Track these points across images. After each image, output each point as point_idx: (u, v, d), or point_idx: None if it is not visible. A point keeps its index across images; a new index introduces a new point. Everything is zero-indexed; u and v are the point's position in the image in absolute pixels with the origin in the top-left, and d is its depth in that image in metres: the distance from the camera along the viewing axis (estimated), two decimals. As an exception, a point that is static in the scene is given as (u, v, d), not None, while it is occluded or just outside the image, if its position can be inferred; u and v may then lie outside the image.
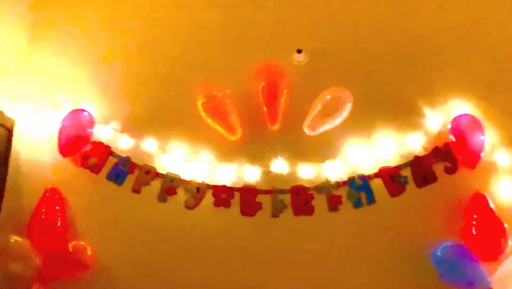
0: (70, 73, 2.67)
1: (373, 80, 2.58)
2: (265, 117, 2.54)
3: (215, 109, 2.54)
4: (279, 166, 2.53)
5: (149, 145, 2.58)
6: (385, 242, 2.47)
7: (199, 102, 2.54)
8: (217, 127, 2.55)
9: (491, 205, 2.41)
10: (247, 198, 2.52)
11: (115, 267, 2.53)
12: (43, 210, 2.52)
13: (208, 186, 2.53)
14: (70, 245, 2.52)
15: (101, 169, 2.57)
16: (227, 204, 2.52)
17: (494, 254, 2.37)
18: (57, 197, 2.54)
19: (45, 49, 2.70)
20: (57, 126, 2.58)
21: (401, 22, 2.64)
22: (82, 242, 2.52)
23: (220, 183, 2.54)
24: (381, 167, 2.49)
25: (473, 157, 2.43)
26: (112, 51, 2.70)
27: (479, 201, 2.42)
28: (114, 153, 2.58)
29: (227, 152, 2.57)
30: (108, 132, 2.60)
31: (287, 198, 2.51)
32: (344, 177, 2.51)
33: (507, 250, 2.37)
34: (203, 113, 2.54)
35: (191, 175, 2.55)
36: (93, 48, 2.70)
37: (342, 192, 2.50)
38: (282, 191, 2.51)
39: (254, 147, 2.57)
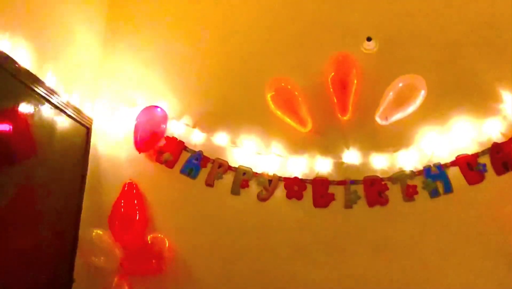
0: (144, 73, 2.77)
1: (447, 66, 2.53)
2: (336, 108, 2.54)
3: (284, 102, 2.57)
4: (351, 156, 2.53)
5: (221, 139, 2.63)
6: (464, 233, 2.42)
7: (269, 96, 2.57)
8: (287, 119, 2.58)
9: None
10: (319, 190, 2.53)
11: (192, 260, 2.60)
12: (122, 204, 2.61)
13: (280, 178, 2.56)
14: (148, 238, 2.60)
15: (175, 163, 2.64)
16: (299, 196, 2.54)
17: None
18: (135, 191, 2.63)
19: (120, 50, 2.82)
20: (133, 123, 2.67)
21: (475, 6, 2.57)
22: (160, 235, 2.59)
23: (292, 175, 2.56)
24: (458, 155, 2.44)
25: (555, 142, 2.35)
26: (183, 50, 2.78)
27: None
28: (187, 147, 2.65)
29: (298, 144, 2.59)
30: (181, 128, 2.67)
31: (360, 188, 2.50)
32: (419, 166, 2.48)
33: None
34: (272, 106, 2.57)
35: (263, 167, 2.59)
36: (165, 48, 2.79)
37: (418, 182, 2.47)
38: (355, 182, 2.51)
39: (325, 138, 2.57)
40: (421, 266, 2.45)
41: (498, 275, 2.36)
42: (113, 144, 2.72)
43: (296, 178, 2.55)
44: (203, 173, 2.62)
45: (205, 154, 2.64)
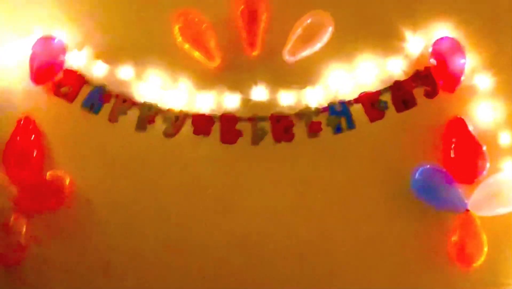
0: (39, -3, 2.60)
1: (354, 3, 2.54)
2: (244, 42, 2.50)
3: (192, 35, 2.50)
4: (259, 93, 2.51)
5: (125, 72, 2.53)
6: (365, 167, 2.53)
7: (176, 28, 2.49)
8: (196, 53, 2.51)
9: (470, 128, 2.46)
10: (227, 126, 2.51)
11: (95, 197, 2.55)
12: (17, 139, 2.50)
13: (187, 114, 2.52)
14: (47, 174, 2.53)
15: (75, 97, 2.52)
16: (207, 132, 2.52)
17: (472, 176, 2.45)
18: (31, 126, 2.51)
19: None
20: (28, 53, 2.51)
21: None
22: (59, 172, 2.53)
23: (200, 111, 2.53)
24: (361, 93, 2.50)
25: (453, 81, 2.45)
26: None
27: (458, 124, 2.47)
28: (89, 81, 2.54)
29: (206, 80, 2.54)
30: (81, 60, 2.54)
31: (267, 125, 2.52)
32: (324, 103, 2.52)
33: (485, 172, 2.44)
34: (180, 39, 2.49)
35: (170, 103, 2.53)
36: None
37: (322, 119, 2.51)
38: (262, 118, 2.51)
39: (233, 74, 2.53)
40: (324, 201, 2.54)
41: (396, 206, 2.51)
42: (5, 76, 2.54)
43: (203, 114, 2.52)
44: (106, 108, 2.53)
45: (108, 88, 2.54)
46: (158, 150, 2.54)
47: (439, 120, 2.49)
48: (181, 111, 2.52)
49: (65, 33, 2.53)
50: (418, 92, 2.48)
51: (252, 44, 2.50)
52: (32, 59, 2.49)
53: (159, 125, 2.53)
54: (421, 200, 2.45)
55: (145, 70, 2.54)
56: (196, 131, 2.52)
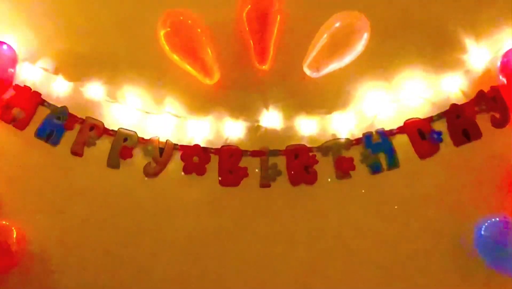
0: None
1: (397, 2, 2.04)
2: (252, 53, 2.01)
3: (184, 42, 1.99)
4: (271, 119, 2.03)
5: (94, 90, 2.03)
6: (411, 218, 1.99)
7: (162, 33, 1.98)
8: (187, 67, 2.01)
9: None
10: (228, 162, 2.02)
11: (52, 256, 2.03)
12: None
13: (176, 146, 2.02)
14: None
15: (28, 122, 2.02)
16: (201, 171, 2.01)
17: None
18: None
19: None
20: (-34, 65, 2.02)
21: None
22: (5, 222, 2.00)
23: (192, 142, 2.03)
24: (407, 120, 1.99)
25: (530, 105, 1.97)
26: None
27: (537, 164, 1.98)
28: (46, 101, 2.03)
29: (200, 101, 2.05)
30: (36, 74, 2.04)
31: (281, 161, 2.01)
32: (357, 133, 2.01)
33: None
34: (167, 48, 1.99)
35: (152, 131, 2.03)
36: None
37: (355, 153, 2.00)
38: (274, 153, 2.02)
39: (237, 94, 2.05)
40: (357, 262, 2.00)
41: (454, 269, 1.98)
42: None
43: (197, 145, 2.02)
44: (69, 137, 2.03)
45: (71, 110, 2.03)
46: (136, 193, 2.04)
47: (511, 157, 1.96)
48: (167, 142, 2.03)
49: (15, 38, 2.05)
50: (483, 120, 1.97)
51: (261, 55, 2.01)
52: (-29, 73, 2.01)
53: (139, 160, 2.03)
54: (487, 262, 1.93)
55: (120, 88, 2.05)
56: (187, 170, 2.02)
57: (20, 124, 2.02)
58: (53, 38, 2.07)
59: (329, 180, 2.00)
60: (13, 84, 2.03)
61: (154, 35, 1.99)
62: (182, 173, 2.01)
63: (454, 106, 1.99)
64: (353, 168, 2.01)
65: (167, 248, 2.04)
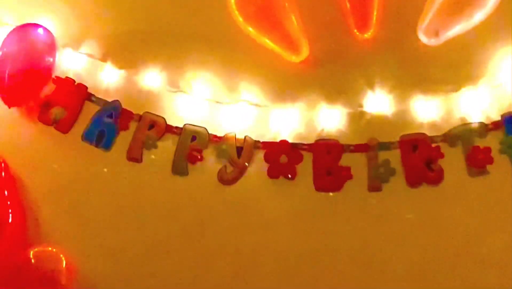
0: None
1: None
2: (350, 19, 1.64)
3: (260, 10, 1.66)
4: (378, 102, 1.63)
5: (152, 78, 1.69)
6: None
7: (233, 1, 1.64)
8: (266, 41, 1.66)
9: None
10: (324, 161, 1.63)
11: (107, 285, 1.69)
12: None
13: (257, 144, 1.65)
14: (31, 253, 1.69)
15: (73, 123, 1.70)
16: (291, 173, 1.63)
17: None
18: (3, 173, 1.70)
19: None
20: (-4, 54, 1.74)
21: None
22: (50, 248, 1.69)
23: (278, 138, 1.65)
24: None
25: None
26: None
27: None
28: (93, 95, 1.70)
29: (285, 84, 1.68)
30: (80, 61, 1.72)
31: (395, 156, 1.61)
32: (494, 114, 1.59)
33: None
34: (240, 19, 1.64)
35: (227, 126, 1.67)
36: None
37: (493, 141, 1.58)
38: (385, 146, 1.61)
39: (332, 72, 1.66)
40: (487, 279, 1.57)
41: None
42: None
43: (284, 141, 1.64)
44: (123, 139, 1.68)
45: (124, 105, 1.69)
46: (210, 204, 1.66)
47: None
48: (246, 139, 1.65)
49: (52, 21, 1.74)
50: None
51: (362, 21, 1.64)
52: (2, 63, 1.68)
53: (211, 164, 1.66)
54: None
55: (183, 74, 1.69)
56: (273, 173, 1.63)
57: (62, 125, 1.69)
58: (98, 18, 1.75)
59: (459, 178, 1.59)
60: (53, 76, 1.71)
61: (223, 4, 1.65)
62: (267, 177, 1.64)
63: None
64: (491, 161, 1.58)
65: (249, 271, 1.65)
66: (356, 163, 1.62)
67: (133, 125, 1.68)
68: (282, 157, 1.64)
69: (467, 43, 1.60)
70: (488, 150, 1.58)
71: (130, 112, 1.68)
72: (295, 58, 1.66)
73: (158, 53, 1.71)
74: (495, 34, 1.60)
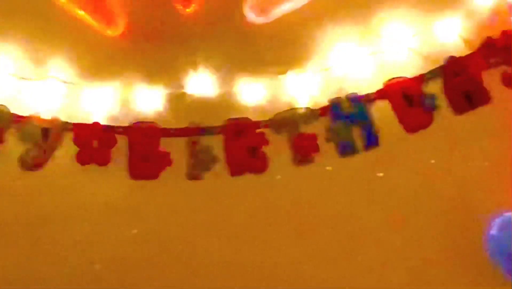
0: None
1: None
2: None
3: None
4: (201, 83, 1.56)
5: None
6: (400, 214, 1.59)
7: None
8: (79, 12, 1.53)
9: None
10: (141, 145, 1.53)
11: None
12: None
13: (66, 125, 1.52)
14: None
15: None
16: (103, 159, 1.51)
17: None
18: None
19: None
20: None
21: None
22: None
23: (89, 120, 1.53)
24: (389, 80, 1.57)
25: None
26: None
27: None
28: None
29: (100, 60, 1.57)
30: None
31: (217, 142, 1.53)
32: (322, 99, 1.56)
33: None
34: None
35: (32, 105, 1.52)
36: None
37: (319, 128, 1.54)
38: (208, 130, 1.54)
39: (152, 49, 1.57)
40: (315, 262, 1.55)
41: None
42: None
43: (96, 124, 1.52)
44: None
45: None
46: (9, 192, 1.50)
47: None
48: (54, 120, 1.51)
49: None
50: (491, 77, 1.58)
51: None
52: None
53: (13, 146, 1.50)
54: (500, 267, 1.57)
55: None
56: (83, 158, 1.50)
57: None
58: None
59: (285, 166, 1.54)
60: None
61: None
62: (76, 163, 1.50)
63: (452, 60, 1.60)
64: (317, 149, 1.54)
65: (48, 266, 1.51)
66: (176, 148, 1.53)
67: None
68: (93, 142, 1.52)
69: (295, 23, 1.57)
70: (313, 137, 1.55)
71: None
72: (110, 32, 1.55)
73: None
74: (324, 14, 1.57)
